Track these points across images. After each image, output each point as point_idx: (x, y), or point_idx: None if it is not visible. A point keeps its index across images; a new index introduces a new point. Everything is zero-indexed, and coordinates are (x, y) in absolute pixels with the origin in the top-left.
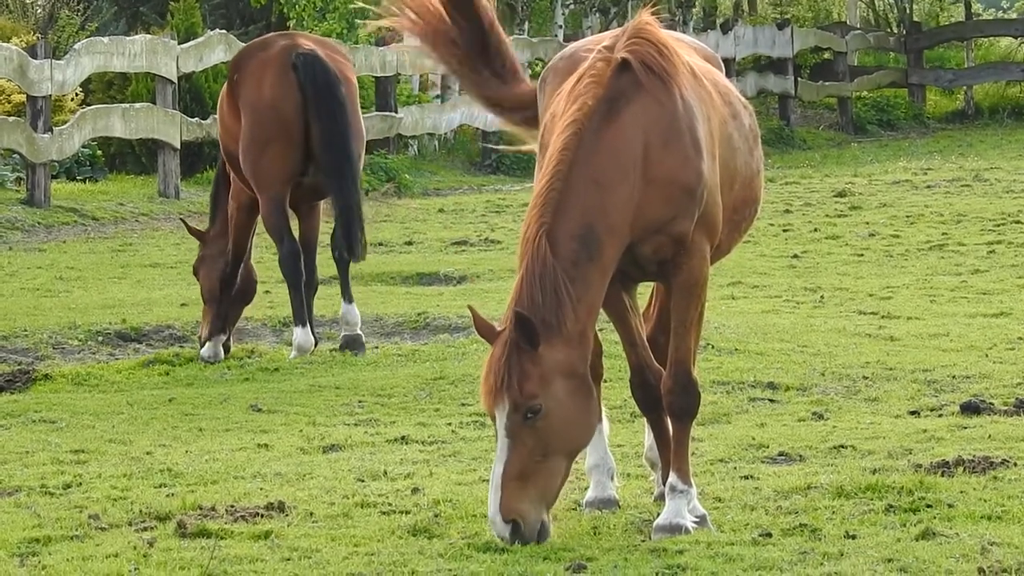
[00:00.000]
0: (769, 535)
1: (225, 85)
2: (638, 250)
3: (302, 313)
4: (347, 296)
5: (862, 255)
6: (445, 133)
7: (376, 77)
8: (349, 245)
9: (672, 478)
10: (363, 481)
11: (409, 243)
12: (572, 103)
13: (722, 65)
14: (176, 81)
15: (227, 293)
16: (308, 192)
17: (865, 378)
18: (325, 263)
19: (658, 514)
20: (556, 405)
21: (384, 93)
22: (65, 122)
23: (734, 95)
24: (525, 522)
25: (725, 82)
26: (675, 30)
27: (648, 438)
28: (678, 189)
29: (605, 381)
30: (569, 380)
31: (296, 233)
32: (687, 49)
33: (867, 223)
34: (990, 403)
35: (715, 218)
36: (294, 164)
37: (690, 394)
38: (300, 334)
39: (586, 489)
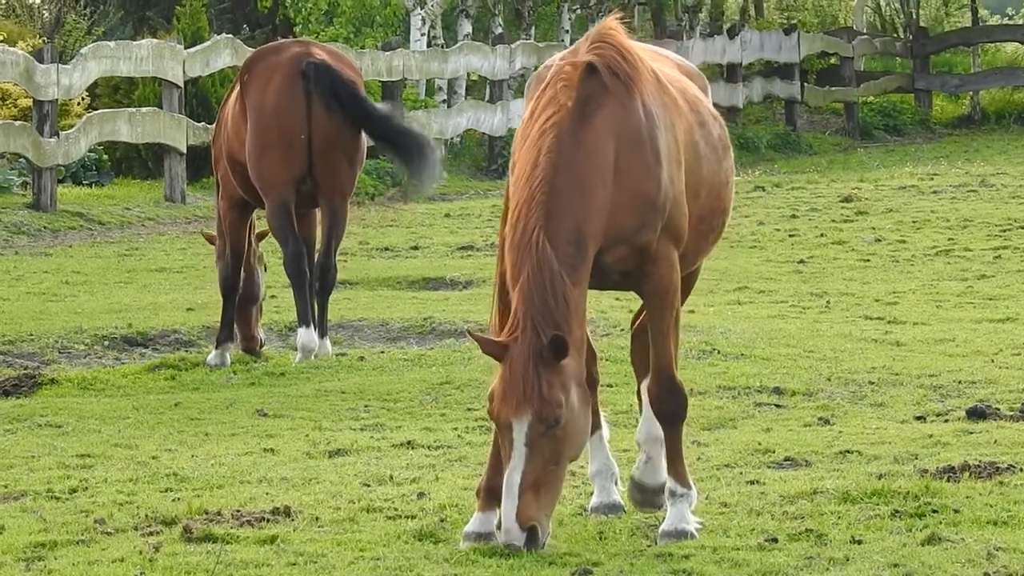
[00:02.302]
0: (775, 540)
1: (235, 87)
2: (599, 259)
3: (306, 314)
4: (321, 328)
5: (868, 260)
6: (451, 138)
7: (382, 82)
8: (324, 272)
9: (670, 483)
10: (369, 486)
11: (415, 248)
12: (547, 106)
13: (706, 82)
14: (182, 85)
15: (231, 297)
16: (304, 199)
17: (871, 383)
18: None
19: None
20: (571, 414)
21: (391, 98)
22: (71, 126)
23: (703, 105)
24: (541, 529)
25: (695, 92)
26: (683, 37)
27: (642, 421)
28: (642, 199)
29: (610, 386)
30: (579, 388)
31: None
32: (664, 60)
33: (873, 228)
34: (996, 408)
35: (680, 226)
36: (296, 169)
37: (676, 398)
38: (304, 334)
39: (591, 495)
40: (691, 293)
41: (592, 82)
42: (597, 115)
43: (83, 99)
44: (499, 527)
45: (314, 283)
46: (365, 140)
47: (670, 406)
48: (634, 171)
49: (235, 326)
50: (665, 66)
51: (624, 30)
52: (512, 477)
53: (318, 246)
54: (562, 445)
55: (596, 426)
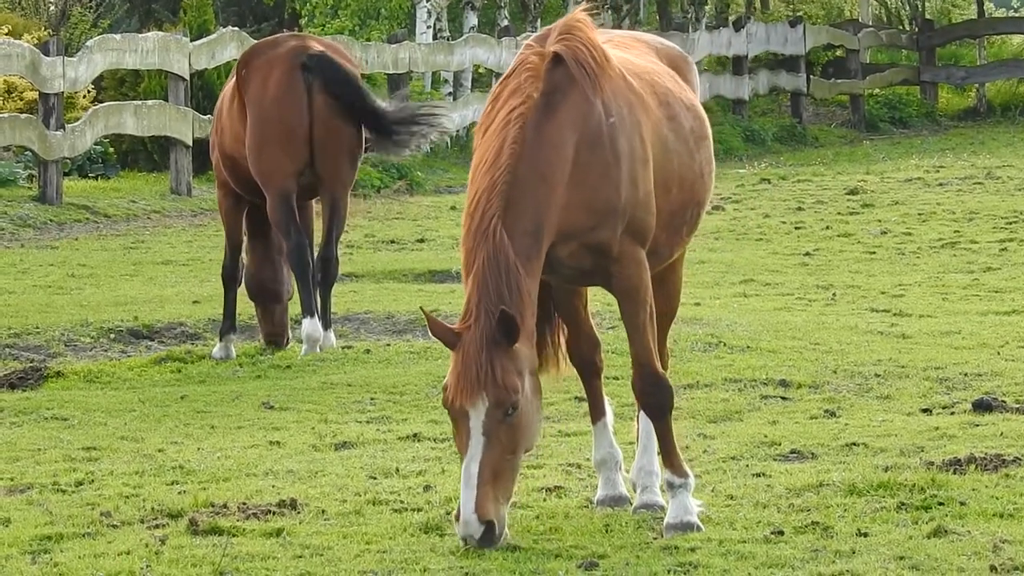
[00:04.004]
0: (781, 533)
1: (232, 81)
2: (551, 251)
3: (310, 304)
4: (324, 321)
5: (874, 253)
6: (457, 130)
7: (388, 74)
8: (326, 264)
9: (667, 475)
10: (375, 478)
11: (421, 240)
12: (511, 95)
13: (691, 65)
14: (188, 78)
15: (232, 287)
16: (303, 191)
17: (877, 376)
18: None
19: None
20: (526, 401)
21: (396, 90)
22: (77, 119)
23: (675, 96)
24: (498, 524)
25: (667, 83)
26: (688, 29)
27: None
28: (598, 199)
29: (615, 378)
30: (532, 377)
31: None
32: (640, 47)
33: (879, 221)
34: (1002, 401)
35: (646, 227)
36: (297, 161)
37: (662, 391)
38: (308, 324)
39: (596, 487)
40: (683, 286)
41: (557, 73)
42: (561, 108)
43: (89, 92)
44: (456, 518)
45: (316, 275)
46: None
47: (656, 399)
48: (591, 169)
49: (258, 323)
50: (640, 53)
51: (592, 23)
52: (470, 467)
53: (318, 238)
54: (518, 433)
55: (601, 413)
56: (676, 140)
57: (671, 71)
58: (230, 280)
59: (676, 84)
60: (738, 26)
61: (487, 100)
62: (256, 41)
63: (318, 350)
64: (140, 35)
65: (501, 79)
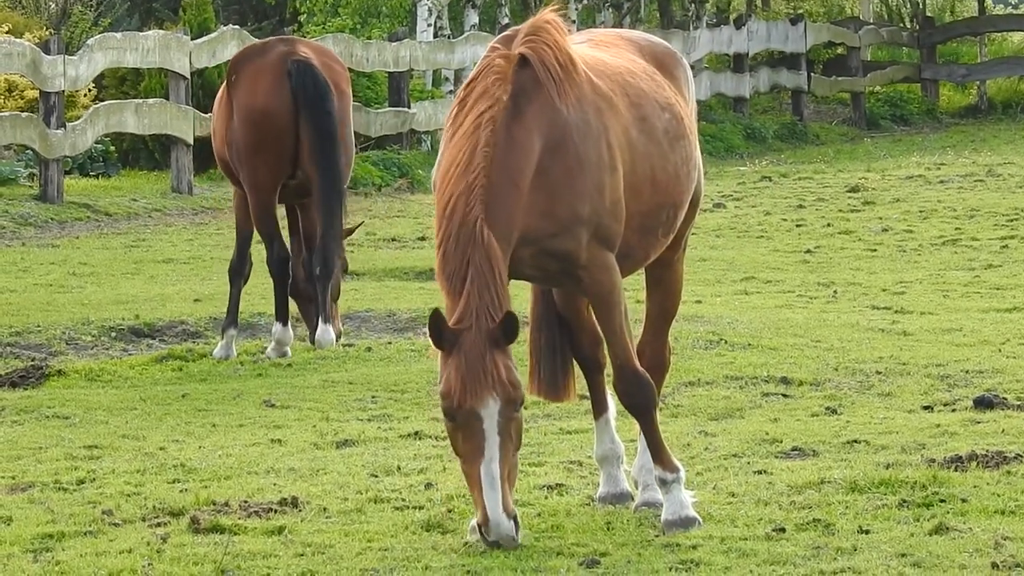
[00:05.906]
0: (783, 530)
1: (223, 87)
2: (512, 253)
3: (284, 312)
4: (323, 315)
5: (875, 250)
6: None
7: (389, 72)
8: (324, 259)
9: (658, 472)
10: (376, 476)
11: (422, 239)
12: (480, 98)
13: (680, 61)
14: (189, 77)
15: (236, 283)
16: (295, 192)
17: (878, 373)
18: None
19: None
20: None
21: (397, 88)
22: (78, 118)
23: (648, 96)
24: (518, 518)
25: (641, 83)
26: (689, 27)
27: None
28: (560, 205)
29: None
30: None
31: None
32: (623, 45)
33: (880, 218)
34: (1003, 398)
35: (613, 234)
36: (283, 169)
37: (644, 390)
38: (279, 330)
39: (597, 485)
40: (683, 284)
41: (524, 75)
42: (528, 111)
43: (89, 90)
44: (483, 522)
45: (315, 268)
46: (351, 134)
47: (639, 399)
48: (553, 175)
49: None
50: (617, 52)
51: (562, 24)
52: (491, 468)
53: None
54: (521, 428)
55: (603, 409)
56: (648, 142)
57: (652, 69)
58: (235, 275)
59: (652, 83)
60: (739, 24)
61: (453, 103)
62: (244, 48)
63: (287, 352)
64: (141, 33)
65: (467, 81)
